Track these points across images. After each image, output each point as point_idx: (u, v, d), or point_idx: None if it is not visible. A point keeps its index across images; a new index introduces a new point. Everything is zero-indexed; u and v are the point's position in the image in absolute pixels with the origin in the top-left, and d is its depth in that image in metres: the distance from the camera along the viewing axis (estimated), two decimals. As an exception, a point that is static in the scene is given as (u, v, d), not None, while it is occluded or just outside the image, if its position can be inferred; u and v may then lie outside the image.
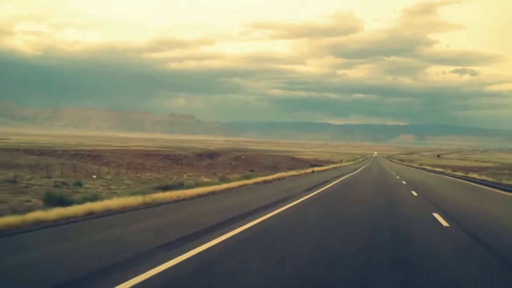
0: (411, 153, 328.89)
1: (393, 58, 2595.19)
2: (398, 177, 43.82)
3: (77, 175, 39.71)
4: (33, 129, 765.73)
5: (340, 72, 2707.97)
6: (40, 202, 16.46)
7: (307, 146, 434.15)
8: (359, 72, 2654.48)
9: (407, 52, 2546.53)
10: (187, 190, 17.24)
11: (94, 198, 16.62)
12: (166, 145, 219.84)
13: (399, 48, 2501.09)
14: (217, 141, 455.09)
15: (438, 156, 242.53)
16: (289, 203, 16.22)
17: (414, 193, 23.32)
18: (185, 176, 48.11)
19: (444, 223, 12.46)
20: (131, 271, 6.51)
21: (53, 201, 15.69)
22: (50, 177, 34.37)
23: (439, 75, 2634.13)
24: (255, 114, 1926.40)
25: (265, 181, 27.83)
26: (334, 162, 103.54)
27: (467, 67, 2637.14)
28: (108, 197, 16.53)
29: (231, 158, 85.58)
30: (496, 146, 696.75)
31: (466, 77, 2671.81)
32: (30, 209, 12.19)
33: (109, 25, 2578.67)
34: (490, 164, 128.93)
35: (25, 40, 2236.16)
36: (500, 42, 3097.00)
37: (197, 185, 23.45)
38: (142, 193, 17.13)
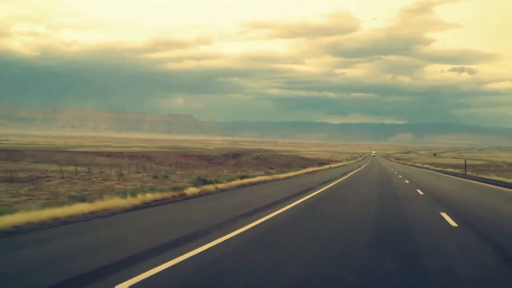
0: (408, 152, 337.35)
1: (392, 57, 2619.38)
2: (392, 170, 63.80)
3: (153, 171, 51.47)
4: (30, 130, 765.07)
5: (338, 71, 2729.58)
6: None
7: (306, 145, 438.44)
8: (358, 71, 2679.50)
9: (405, 51, 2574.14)
10: (275, 175, 29.34)
11: (218, 181, 28.51)
12: (166, 145, 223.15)
13: (397, 47, 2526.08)
14: (215, 141, 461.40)
15: (435, 154, 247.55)
16: (339, 179, 34.31)
17: (400, 176, 42.63)
18: (224, 172, 59.49)
19: (407, 182, 32.09)
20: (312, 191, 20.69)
21: (202, 181, 27.65)
22: (139, 172, 46.02)
23: (437, 73, 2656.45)
24: (254, 114, 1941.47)
25: (306, 173, 40.42)
26: (337, 161, 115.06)
27: (465, 66, 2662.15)
28: (225, 181, 28.48)
29: (251, 158, 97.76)
30: (494, 144, 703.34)
31: (464, 75, 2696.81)
32: (187, 186, 24.18)
33: (107, 26, 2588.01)
34: (481, 162, 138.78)
35: (22, 41, 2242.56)
36: (498, 41, 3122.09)
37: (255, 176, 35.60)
38: (237, 178, 29.21)
